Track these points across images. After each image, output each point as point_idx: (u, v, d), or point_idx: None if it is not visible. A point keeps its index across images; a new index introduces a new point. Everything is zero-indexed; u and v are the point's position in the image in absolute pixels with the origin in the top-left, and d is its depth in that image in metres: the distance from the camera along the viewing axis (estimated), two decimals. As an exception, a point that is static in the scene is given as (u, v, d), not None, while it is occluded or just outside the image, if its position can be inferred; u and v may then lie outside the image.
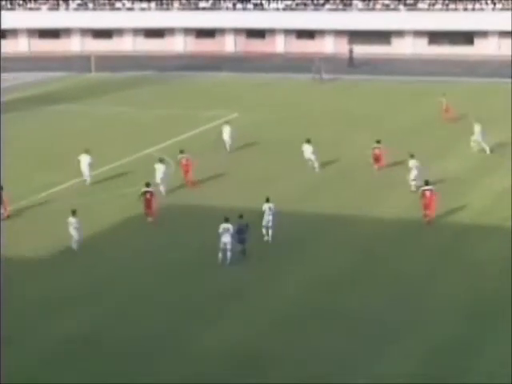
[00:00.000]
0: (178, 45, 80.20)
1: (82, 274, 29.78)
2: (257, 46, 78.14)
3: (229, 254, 29.79)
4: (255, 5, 80.00)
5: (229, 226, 29.68)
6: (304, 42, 77.92)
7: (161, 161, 38.39)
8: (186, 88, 61.73)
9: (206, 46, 78.72)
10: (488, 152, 42.86)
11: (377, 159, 40.57)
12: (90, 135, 47.73)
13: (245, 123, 50.11)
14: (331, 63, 69.79)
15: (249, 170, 41.46)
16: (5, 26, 77.51)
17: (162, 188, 37.37)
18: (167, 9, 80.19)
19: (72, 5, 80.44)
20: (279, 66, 70.68)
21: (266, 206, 31.81)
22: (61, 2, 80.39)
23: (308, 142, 40.95)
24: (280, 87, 62.47)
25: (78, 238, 31.38)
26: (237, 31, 79.30)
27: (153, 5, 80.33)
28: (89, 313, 26.81)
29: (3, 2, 79.27)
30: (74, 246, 31.55)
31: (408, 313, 26.16)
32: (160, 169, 37.69)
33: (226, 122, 46.12)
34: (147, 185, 34.64)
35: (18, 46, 79.39)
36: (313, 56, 68.41)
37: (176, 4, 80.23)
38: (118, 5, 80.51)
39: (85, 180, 39.52)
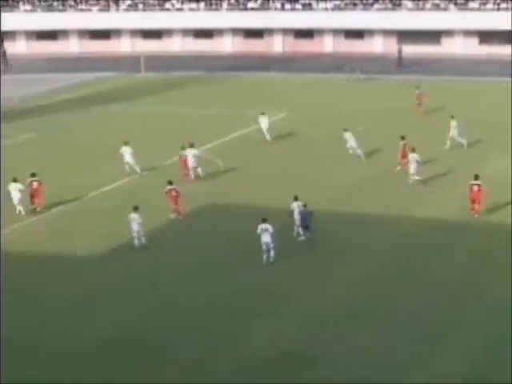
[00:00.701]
0: (226, 45, 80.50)
1: (129, 271, 30.12)
2: (305, 46, 78.10)
3: (272, 252, 29.88)
4: (304, 5, 79.97)
5: (267, 225, 29.79)
6: (353, 42, 77.69)
7: (191, 146, 40.42)
8: (234, 88, 61.91)
9: (255, 46, 78.88)
10: (465, 146, 43.00)
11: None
12: (139, 134, 48.10)
13: (293, 123, 50.17)
14: (380, 63, 69.54)
15: (293, 168, 41.51)
16: (56, 27, 78.53)
17: (199, 170, 39.93)
18: (216, 9, 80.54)
19: (122, 6, 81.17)
20: (327, 66, 70.54)
21: (294, 205, 31.85)
22: (111, 3, 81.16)
23: (346, 130, 42.25)
24: (328, 87, 62.35)
25: (142, 234, 31.77)
26: (285, 31, 79.35)
27: (202, 5, 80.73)
28: (136, 309, 27.06)
29: (55, 3, 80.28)
30: (137, 242, 31.91)
31: (449, 313, 26.01)
32: (192, 154, 40.00)
33: (263, 113, 46.96)
34: (170, 182, 35.02)
35: (69, 46, 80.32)
36: (361, 56, 68.18)
37: (225, 4, 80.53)
38: (168, 5, 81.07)
39: (138, 172, 40.52)
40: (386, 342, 24.52)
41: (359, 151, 41.98)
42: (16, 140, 44.39)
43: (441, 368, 23.08)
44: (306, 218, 31.51)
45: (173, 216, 34.97)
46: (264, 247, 29.88)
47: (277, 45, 80.00)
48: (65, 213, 36.12)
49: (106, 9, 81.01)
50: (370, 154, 42.27)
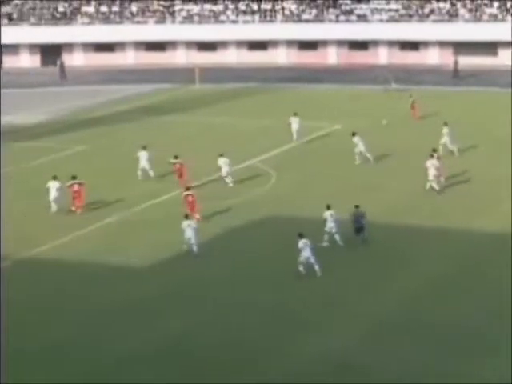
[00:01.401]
0: (280, 57, 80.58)
1: (186, 278, 30.26)
2: (359, 57, 77.78)
3: (316, 267, 29.82)
4: (359, 16, 79.72)
5: (306, 240, 29.84)
6: (408, 54, 77.14)
7: (221, 155, 41.28)
8: (289, 99, 61.83)
9: (309, 57, 78.81)
10: (456, 154, 43.38)
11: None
12: (194, 145, 48.38)
13: (347, 134, 49.93)
14: (435, 75, 68.93)
15: (349, 180, 41.31)
16: (113, 39, 79.45)
17: (228, 179, 40.87)
18: (270, 21, 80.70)
19: (178, 18, 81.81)
20: (382, 78, 70.11)
21: (327, 214, 32.27)
22: (167, 16, 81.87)
23: (354, 134, 43.50)
24: (382, 98, 61.97)
25: (194, 242, 32.09)
26: (339, 43, 79.13)
27: (256, 17, 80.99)
28: (187, 319, 27.17)
29: (112, 16, 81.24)
30: (194, 248, 32.13)
31: (503, 326, 25.56)
32: (225, 162, 40.86)
33: (295, 114, 48.26)
34: (187, 189, 35.81)
35: (126, 58, 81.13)
36: (415, 67, 67.64)
37: (279, 16, 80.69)
38: (223, 18, 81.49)
39: (151, 177, 41.42)
40: (439, 353, 24.21)
41: (368, 155, 43.02)
42: (69, 152, 45.05)
43: (491, 381, 22.73)
44: (360, 219, 32.15)
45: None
46: (302, 260, 29.84)
47: (331, 56, 79.82)
48: (117, 223, 36.43)
49: (162, 21, 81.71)
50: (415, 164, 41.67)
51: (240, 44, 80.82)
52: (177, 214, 34.54)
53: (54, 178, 37.65)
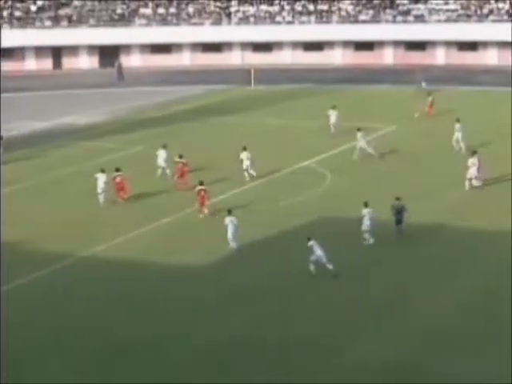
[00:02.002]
0: (336, 57, 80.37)
1: (243, 278, 30.46)
2: (416, 58, 77.16)
3: (329, 266, 29.98)
4: (416, 17, 79.14)
5: (313, 242, 30.13)
6: (466, 54, 76.36)
7: (244, 149, 41.96)
8: (344, 101, 61.59)
9: (365, 58, 78.48)
10: (463, 151, 43.72)
11: None
12: (249, 146, 48.40)
13: (403, 135, 49.68)
14: (494, 75, 68.11)
15: (403, 182, 41.11)
16: (170, 40, 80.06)
17: (252, 172, 41.52)
18: (327, 22, 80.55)
19: (234, 19, 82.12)
20: (439, 78, 69.57)
21: (365, 211, 32.58)
22: (223, 17, 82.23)
23: (359, 130, 44.98)
24: (439, 99, 61.44)
25: (235, 236, 32.50)
26: (396, 43, 78.67)
27: (312, 18, 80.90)
28: (250, 316, 27.27)
29: (168, 17, 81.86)
30: (234, 245, 32.36)
31: None
32: (247, 156, 41.82)
33: (334, 107, 49.73)
34: (201, 183, 36.56)
35: (182, 60, 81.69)
36: (474, 68, 66.92)
37: (335, 17, 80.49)
38: (279, 18, 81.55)
39: (168, 175, 42.27)
40: (487, 359, 23.93)
41: (370, 150, 44.43)
42: (126, 152, 45.57)
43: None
44: (401, 211, 32.99)
45: (201, 216, 36.27)
46: (314, 259, 30.11)
47: (387, 57, 79.36)
48: (173, 223, 36.73)
49: (218, 22, 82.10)
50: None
51: (295, 45, 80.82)
52: (235, 214, 34.69)
53: (102, 170, 39.21)
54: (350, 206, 37.50)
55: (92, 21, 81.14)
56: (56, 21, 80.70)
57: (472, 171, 37.47)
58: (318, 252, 30.11)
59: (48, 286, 30.61)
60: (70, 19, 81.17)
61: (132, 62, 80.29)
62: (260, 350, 25.21)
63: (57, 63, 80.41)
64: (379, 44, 79.17)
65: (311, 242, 30.30)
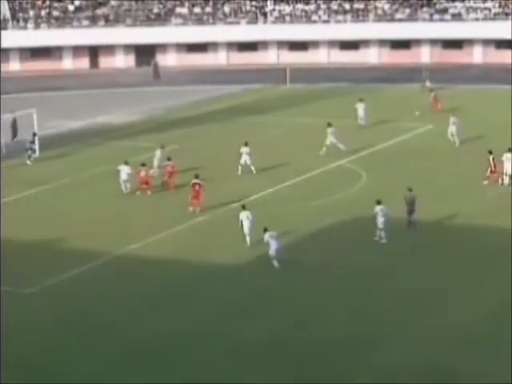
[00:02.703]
0: (372, 56, 79.97)
1: (276, 278, 30.41)
2: (453, 56, 76.58)
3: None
4: (453, 15, 78.50)
5: (272, 233, 31.14)
6: (503, 53, 75.55)
7: (246, 144, 42.78)
8: (380, 100, 61.30)
9: (401, 57, 77.99)
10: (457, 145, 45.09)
11: None
12: (282, 146, 48.41)
13: (439, 134, 49.25)
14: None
15: (437, 181, 40.84)
16: (206, 40, 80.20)
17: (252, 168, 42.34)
18: (363, 21, 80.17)
19: (270, 18, 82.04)
20: (476, 77, 68.95)
21: (377, 208, 32.67)
22: (259, 16, 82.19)
23: (329, 125, 46.12)
24: (477, 98, 60.92)
25: (250, 231, 32.71)
26: (433, 42, 78.10)
27: (348, 17, 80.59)
28: (280, 316, 27.17)
29: (204, 17, 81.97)
30: (248, 240, 32.67)
31: None
32: (246, 151, 42.50)
33: (361, 100, 50.97)
34: (196, 176, 36.96)
35: (218, 59, 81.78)
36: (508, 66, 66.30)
37: (372, 16, 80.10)
38: (315, 17, 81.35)
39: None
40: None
41: (340, 145, 45.35)
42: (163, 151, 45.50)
43: None
44: (413, 202, 33.63)
45: (191, 209, 36.87)
46: (272, 253, 30.82)
47: (424, 56, 78.80)
48: (208, 222, 36.75)
49: (254, 21, 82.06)
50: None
51: (331, 44, 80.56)
52: (266, 214, 34.69)
53: (126, 163, 40.51)
54: (385, 204, 37.27)
55: (129, 20, 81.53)
56: (93, 20, 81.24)
57: (508, 166, 37.21)
58: (274, 245, 30.54)
59: (80, 285, 30.77)
60: (107, 19, 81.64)
61: (168, 61, 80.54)
62: (289, 350, 25.12)
63: (94, 62, 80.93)
64: (416, 43, 78.66)
65: (267, 236, 30.84)
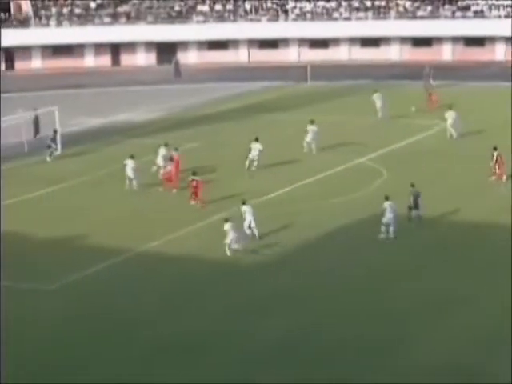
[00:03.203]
0: (393, 53, 79.74)
1: (297, 276, 30.60)
2: (475, 54, 76.22)
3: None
4: (475, 12, 78.10)
5: (232, 223, 31.99)
6: (525, 50, 75.16)
7: (256, 140, 43.27)
8: (401, 97, 61.10)
9: (422, 54, 77.68)
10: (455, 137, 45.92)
11: None
12: (300, 144, 48.30)
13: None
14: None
15: (460, 179, 40.71)
16: (227, 37, 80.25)
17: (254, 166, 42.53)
18: (384, 18, 79.95)
19: (291, 15, 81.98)
20: (498, 75, 68.57)
21: (386, 204, 32.97)
22: (280, 13, 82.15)
23: (311, 122, 46.40)
24: (498, 95, 60.58)
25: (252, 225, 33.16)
26: (455, 39, 77.75)
27: (370, 14, 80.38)
28: (299, 316, 27.19)
29: (226, 14, 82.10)
30: (252, 232, 33.19)
31: None
32: (256, 148, 43.02)
33: (376, 90, 51.57)
34: (194, 173, 38.02)
35: (239, 56, 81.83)
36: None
37: (393, 13, 79.84)
38: (335, 15, 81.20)
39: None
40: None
41: (313, 146, 45.74)
42: (180, 149, 45.67)
43: None
44: (417, 197, 34.25)
45: (193, 203, 37.58)
46: (229, 242, 31.63)
47: (445, 53, 78.49)
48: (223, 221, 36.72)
49: (275, 19, 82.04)
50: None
51: (352, 41, 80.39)
52: (285, 212, 34.72)
53: (131, 156, 41.21)
54: (405, 203, 37.20)
55: (150, 18, 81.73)
56: (115, 18, 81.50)
57: None
58: (231, 234, 31.48)
59: (102, 282, 30.97)
60: (128, 16, 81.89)
61: (189, 58, 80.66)
62: (305, 350, 25.14)
63: (115, 60, 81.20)
64: (437, 40, 78.34)
65: (227, 225, 31.65)
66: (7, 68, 79.10)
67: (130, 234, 35.37)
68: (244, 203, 33.75)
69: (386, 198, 33.42)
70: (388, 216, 33.05)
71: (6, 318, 27.27)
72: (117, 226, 36.43)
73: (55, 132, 48.77)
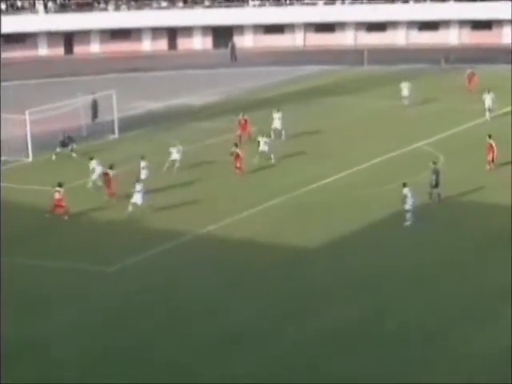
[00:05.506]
0: (452, 37, 78.79)
1: (355, 264, 30.43)
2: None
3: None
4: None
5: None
6: None
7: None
8: (459, 81, 60.36)
9: (482, 38, 76.66)
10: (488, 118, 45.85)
11: None
12: (357, 128, 48.14)
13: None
14: None
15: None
16: (283, 21, 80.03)
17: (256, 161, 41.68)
18: (443, 0, 78.95)
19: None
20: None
21: (405, 190, 33.19)
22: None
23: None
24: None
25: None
26: (515, 22, 76.60)
27: (428, -4, 79.49)
28: (365, 303, 27.25)
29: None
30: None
31: None
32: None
33: (404, 79, 52.00)
34: (236, 145, 39.98)
35: (295, 40, 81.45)
36: None
37: (452, -5, 78.85)
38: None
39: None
40: None
41: (283, 133, 46.03)
42: (237, 132, 45.86)
43: None
44: (437, 174, 35.11)
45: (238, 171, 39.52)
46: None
47: (506, 36, 77.27)
48: (279, 206, 36.83)
49: (332, 2, 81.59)
50: None
51: (410, 24, 79.60)
52: (338, 198, 34.62)
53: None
54: (463, 188, 36.91)
55: (206, 2, 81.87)
56: (172, 2, 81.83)
57: None
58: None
59: (161, 264, 31.26)
60: (185, 0, 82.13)
61: (245, 42, 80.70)
62: (366, 340, 25.13)
63: (172, 44, 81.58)
64: (498, 23, 77.17)
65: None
66: (66, 52, 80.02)
67: (189, 217, 35.57)
68: (405, 185, 33.66)
69: (404, 185, 33.36)
70: (409, 202, 33.09)
71: (69, 301, 27.72)
72: (175, 209, 36.62)
73: (70, 138, 46.63)
